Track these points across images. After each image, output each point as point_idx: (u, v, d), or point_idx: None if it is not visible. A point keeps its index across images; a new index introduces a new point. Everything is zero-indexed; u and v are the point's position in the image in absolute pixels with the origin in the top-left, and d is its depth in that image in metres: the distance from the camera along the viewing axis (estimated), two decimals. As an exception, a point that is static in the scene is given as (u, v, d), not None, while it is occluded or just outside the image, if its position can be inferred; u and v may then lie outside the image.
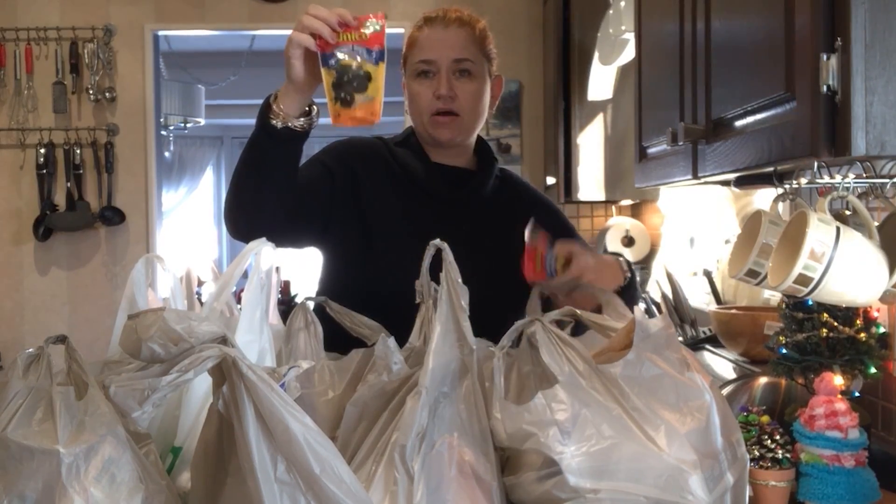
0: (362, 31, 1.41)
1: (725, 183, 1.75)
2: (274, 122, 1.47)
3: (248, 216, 1.55)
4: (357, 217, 1.70)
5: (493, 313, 1.69)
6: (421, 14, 1.80)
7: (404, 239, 1.65)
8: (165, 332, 0.96)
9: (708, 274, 2.64)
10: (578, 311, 1.22)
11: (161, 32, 4.56)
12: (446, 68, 1.71)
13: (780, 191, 1.48)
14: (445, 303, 1.14)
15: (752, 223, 1.42)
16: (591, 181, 3.43)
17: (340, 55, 1.40)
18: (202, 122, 6.64)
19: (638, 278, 1.71)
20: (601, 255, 1.66)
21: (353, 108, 1.41)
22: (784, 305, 1.50)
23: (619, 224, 3.77)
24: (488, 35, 1.79)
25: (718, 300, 2.56)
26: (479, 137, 1.84)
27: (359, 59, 1.41)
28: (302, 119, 1.48)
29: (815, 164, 1.32)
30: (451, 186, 1.77)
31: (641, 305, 3.00)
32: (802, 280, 1.21)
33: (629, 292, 1.63)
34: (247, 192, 1.54)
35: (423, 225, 1.68)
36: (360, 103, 1.40)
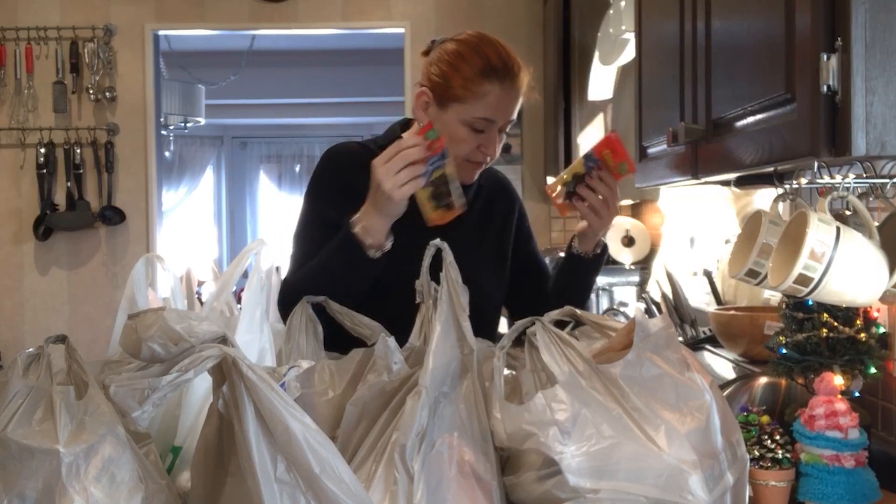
0: (429, 141, 1.50)
1: (725, 183, 1.74)
2: (372, 253, 1.52)
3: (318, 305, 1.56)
4: None
5: (485, 312, 1.71)
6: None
7: (402, 242, 1.65)
8: (165, 331, 0.96)
9: (708, 274, 2.64)
10: (578, 312, 1.22)
11: (161, 32, 4.56)
12: (499, 128, 1.70)
13: (781, 191, 1.47)
14: (445, 303, 1.14)
15: (753, 223, 1.42)
16: (591, 181, 3.42)
17: (429, 172, 1.51)
18: (202, 121, 6.64)
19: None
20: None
21: (454, 209, 1.55)
22: (784, 305, 1.50)
23: (618, 224, 3.77)
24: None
25: (718, 300, 2.56)
26: None
27: (439, 168, 1.51)
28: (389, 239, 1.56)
29: (816, 164, 1.32)
30: None
31: (641, 305, 3.01)
32: (802, 280, 1.21)
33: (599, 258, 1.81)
34: (328, 295, 1.54)
35: (416, 230, 1.66)
36: (457, 201, 1.54)
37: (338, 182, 1.70)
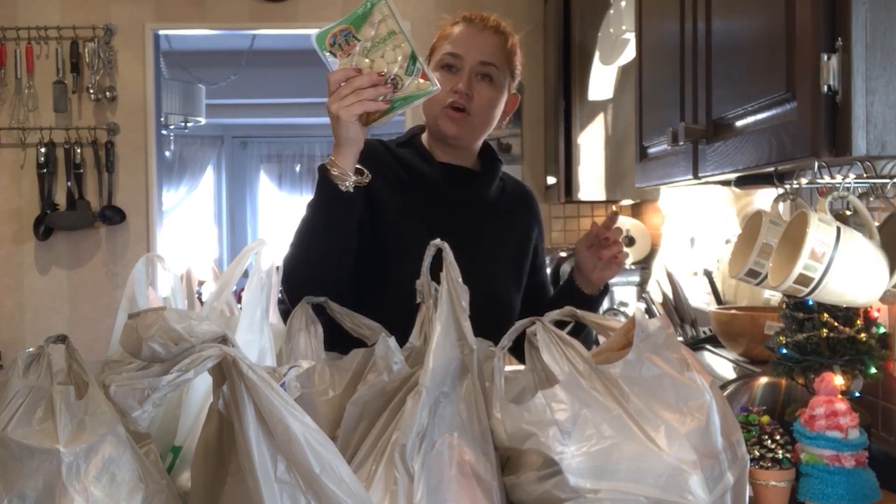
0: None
1: (726, 183, 1.74)
2: (340, 184, 1.51)
3: (314, 276, 1.56)
4: (370, 220, 1.70)
5: (495, 312, 1.71)
6: (451, 15, 1.83)
7: (418, 238, 1.65)
8: (166, 331, 0.96)
9: (708, 274, 2.64)
10: (578, 312, 1.22)
11: (161, 32, 4.55)
12: (470, 68, 1.73)
13: (781, 191, 1.47)
14: (446, 302, 1.14)
15: (753, 223, 1.42)
16: (591, 181, 3.43)
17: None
18: (202, 121, 6.63)
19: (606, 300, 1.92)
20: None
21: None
22: (784, 305, 1.50)
23: (619, 224, 3.76)
24: (517, 51, 1.83)
25: (719, 300, 2.56)
26: (483, 141, 1.85)
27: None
28: (360, 177, 1.54)
29: (816, 164, 1.32)
30: (457, 185, 1.78)
31: (641, 305, 3.00)
32: (803, 280, 1.21)
33: (601, 296, 1.84)
34: (316, 253, 1.57)
35: (433, 223, 1.68)
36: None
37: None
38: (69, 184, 4.32)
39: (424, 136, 1.83)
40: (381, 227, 1.69)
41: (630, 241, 3.70)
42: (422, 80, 1.45)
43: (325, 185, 1.52)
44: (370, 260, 1.68)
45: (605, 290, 1.83)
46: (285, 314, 1.51)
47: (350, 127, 1.47)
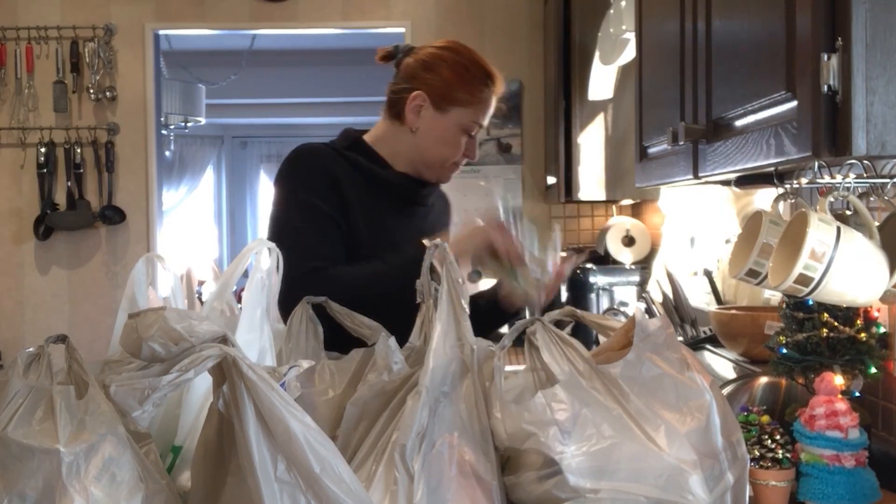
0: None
1: (726, 183, 1.74)
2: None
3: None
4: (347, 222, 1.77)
5: None
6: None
7: (388, 240, 1.74)
8: (166, 331, 0.96)
9: (708, 274, 2.64)
10: (578, 312, 1.22)
11: (161, 31, 4.55)
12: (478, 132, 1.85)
13: (781, 191, 1.48)
14: (446, 302, 1.14)
15: (753, 223, 1.42)
16: (591, 181, 3.43)
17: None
18: (203, 121, 6.63)
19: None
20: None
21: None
22: (784, 305, 1.50)
23: (619, 224, 3.77)
24: None
25: (719, 300, 2.56)
26: None
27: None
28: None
29: (816, 164, 1.32)
30: (419, 193, 1.90)
31: (641, 305, 3.00)
32: (803, 280, 1.21)
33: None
34: (373, 300, 1.57)
35: (398, 228, 1.81)
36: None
37: (319, 172, 1.78)
38: (69, 184, 4.32)
39: (372, 142, 1.88)
40: (359, 230, 1.77)
41: (630, 241, 3.70)
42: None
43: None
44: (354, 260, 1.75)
45: (517, 313, 1.90)
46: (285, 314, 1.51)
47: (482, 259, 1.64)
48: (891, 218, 1.31)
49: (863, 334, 1.42)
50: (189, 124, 6.60)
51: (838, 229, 1.20)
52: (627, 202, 3.95)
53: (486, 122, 1.85)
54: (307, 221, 1.74)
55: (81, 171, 4.33)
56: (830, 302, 1.30)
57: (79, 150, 4.32)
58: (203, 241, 9.00)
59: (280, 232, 1.75)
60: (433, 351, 1.11)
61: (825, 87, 1.06)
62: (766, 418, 1.40)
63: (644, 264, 3.66)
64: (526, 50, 4.29)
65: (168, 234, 4.95)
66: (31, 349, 1.04)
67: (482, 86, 1.80)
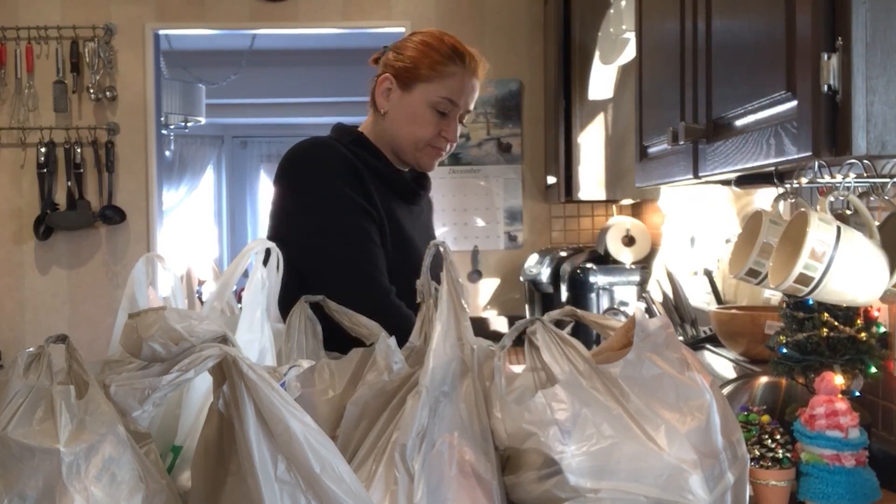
0: None
1: (726, 182, 1.74)
2: None
3: None
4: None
5: None
6: (445, 40, 1.81)
7: (404, 238, 1.76)
8: (166, 331, 0.96)
9: (708, 273, 2.64)
10: (578, 312, 1.22)
11: (162, 31, 4.55)
12: (458, 115, 1.80)
13: (781, 190, 1.48)
14: (446, 302, 1.14)
15: (753, 223, 1.42)
16: (591, 180, 3.43)
17: None
18: (203, 121, 6.63)
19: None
20: None
21: None
22: (784, 305, 1.50)
23: (619, 223, 3.77)
24: None
25: (719, 300, 2.56)
26: None
27: None
28: None
29: (816, 163, 1.32)
30: (422, 189, 1.90)
31: (642, 305, 3.00)
32: (803, 280, 1.21)
33: None
34: None
35: (410, 225, 1.81)
36: None
37: (342, 163, 1.73)
38: (69, 184, 4.32)
39: (373, 139, 1.85)
40: (385, 228, 1.75)
41: (630, 241, 3.70)
42: None
43: None
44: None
45: None
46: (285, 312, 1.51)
47: None
48: (891, 218, 1.31)
49: (863, 334, 1.42)
50: (189, 124, 6.60)
51: (838, 229, 1.20)
52: (627, 202, 3.95)
53: (463, 101, 1.78)
54: (354, 221, 1.68)
55: (81, 171, 4.33)
56: (830, 302, 1.30)
57: (79, 150, 4.32)
58: (203, 241, 9.00)
59: (324, 230, 1.67)
60: (433, 351, 1.11)
61: (825, 87, 1.07)
62: (766, 418, 1.40)
63: (644, 264, 3.66)
64: (526, 50, 4.29)
65: (168, 234, 4.96)
66: (31, 349, 1.04)
67: (447, 60, 1.76)
